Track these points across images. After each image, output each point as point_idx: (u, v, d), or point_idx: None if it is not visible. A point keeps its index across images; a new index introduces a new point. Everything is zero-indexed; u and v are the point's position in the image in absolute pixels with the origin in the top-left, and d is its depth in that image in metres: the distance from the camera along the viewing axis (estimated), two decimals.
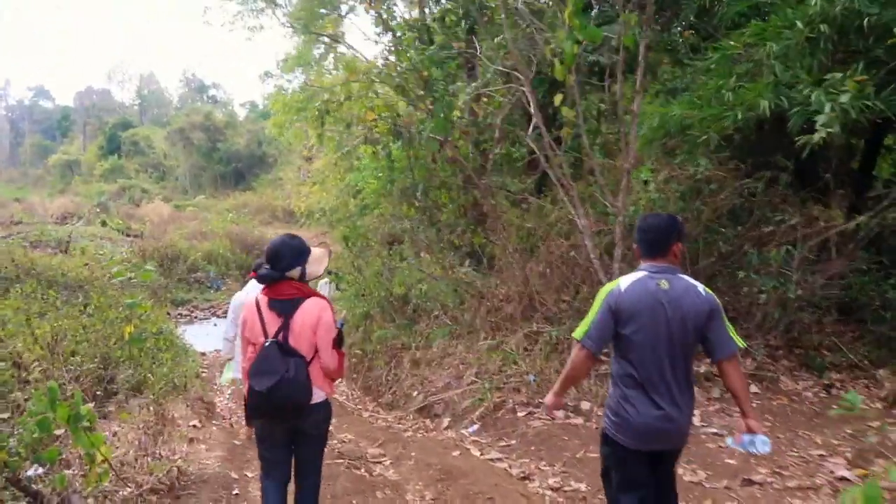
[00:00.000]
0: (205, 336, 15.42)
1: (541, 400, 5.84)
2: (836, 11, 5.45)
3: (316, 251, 3.20)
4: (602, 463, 2.92)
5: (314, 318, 2.99)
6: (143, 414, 5.02)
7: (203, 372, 11.02)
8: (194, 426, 5.42)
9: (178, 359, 10.26)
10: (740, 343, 2.66)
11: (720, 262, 6.48)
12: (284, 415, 3.01)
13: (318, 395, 3.06)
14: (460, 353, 7.12)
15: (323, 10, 11.90)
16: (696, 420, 5.00)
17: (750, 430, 2.66)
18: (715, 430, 4.82)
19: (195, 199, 36.46)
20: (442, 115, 6.33)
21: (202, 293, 20.14)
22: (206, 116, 45.64)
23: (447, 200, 8.04)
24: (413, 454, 5.15)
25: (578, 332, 2.73)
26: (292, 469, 3.27)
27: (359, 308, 9.77)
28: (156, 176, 45.88)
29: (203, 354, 12.61)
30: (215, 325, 17.33)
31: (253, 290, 5.36)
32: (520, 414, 5.60)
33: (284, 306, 3.01)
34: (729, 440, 2.87)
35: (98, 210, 29.12)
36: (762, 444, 2.61)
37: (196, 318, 18.45)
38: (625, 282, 2.69)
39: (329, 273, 17.48)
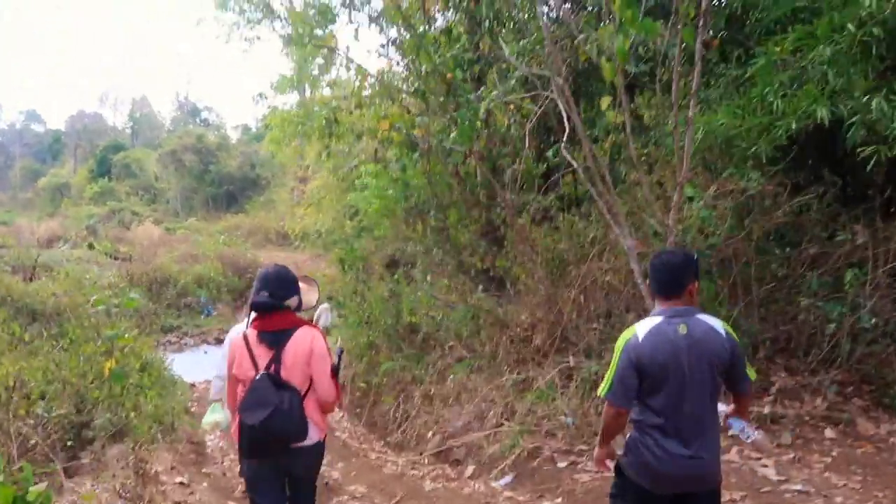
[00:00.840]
0: (194, 365, 14.54)
1: (581, 447, 5.11)
2: (886, 14, 4.97)
3: (301, 284, 3.13)
4: (613, 489, 2.86)
5: (307, 349, 2.88)
6: (120, 474, 4.25)
7: (192, 406, 10.20)
8: (182, 483, 4.63)
9: (164, 392, 9.47)
10: (752, 376, 2.70)
11: (776, 287, 5.80)
12: (279, 450, 2.85)
13: (311, 435, 2.90)
14: (481, 390, 6.38)
15: (319, 32, 11.22)
16: (772, 473, 4.28)
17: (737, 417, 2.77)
18: (799, 488, 4.09)
19: (186, 222, 35.67)
20: (467, 122, 5.67)
21: (192, 319, 19.28)
22: (198, 139, 45.06)
23: (462, 219, 7.30)
24: None
25: (602, 390, 2.67)
26: None
27: (362, 337, 9.02)
28: (147, 198, 45.09)
29: (193, 386, 11.79)
30: (206, 352, 16.50)
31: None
32: (560, 464, 4.85)
33: (276, 338, 2.89)
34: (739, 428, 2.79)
35: (86, 233, 28.32)
36: (752, 432, 2.77)
37: (185, 345, 17.59)
38: (641, 329, 2.60)
39: (329, 299, 16.70)
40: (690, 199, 5.81)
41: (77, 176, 52.61)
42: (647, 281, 2.78)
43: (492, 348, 6.63)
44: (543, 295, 5.96)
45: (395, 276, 9.03)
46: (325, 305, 15.88)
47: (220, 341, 17.91)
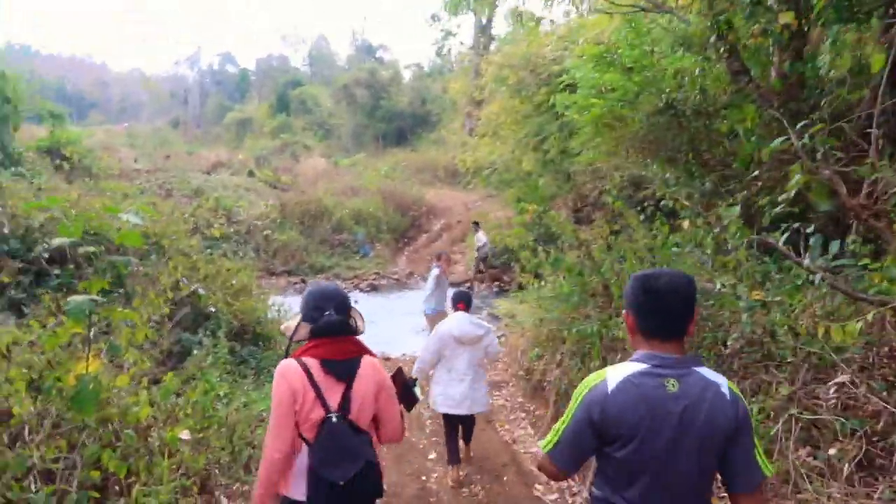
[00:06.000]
0: None
1: None
2: None
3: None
4: None
5: (376, 381, 2.35)
6: None
7: None
8: None
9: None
10: (768, 471, 1.74)
11: None
12: None
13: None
14: None
15: None
16: None
17: None
18: None
19: (355, 157, 34.09)
20: None
21: (346, 259, 16.66)
22: (371, 73, 43.95)
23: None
24: None
25: (546, 444, 1.87)
26: None
27: (585, 320, 5.19)
28: (320, 134, 45.25)
29: None
30: (356, 301, 13.66)
31: (460, 320, 4.49)
32: None
33: (343, 369, 2.28)
34: None
35: (252, 162, 27.26)
36: None
37: None
38: (613, 377, 1.76)
39: (476, 222, 15.34)
40: None
41: (259, 111, 54.33)
42: (628, 310, 1.82)
43: None
44: None
45: (655, 218, 4.96)
46: (481, 234, 14.70)
47: (374, 288, 15.08)
